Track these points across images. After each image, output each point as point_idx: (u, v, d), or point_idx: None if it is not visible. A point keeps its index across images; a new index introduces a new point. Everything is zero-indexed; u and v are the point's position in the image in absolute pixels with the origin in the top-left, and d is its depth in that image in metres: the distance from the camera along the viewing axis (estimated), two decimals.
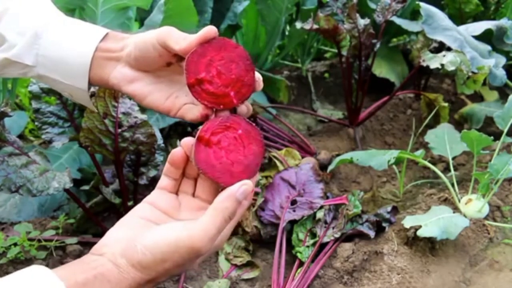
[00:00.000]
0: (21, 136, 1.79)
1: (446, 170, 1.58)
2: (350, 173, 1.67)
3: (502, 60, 1.73)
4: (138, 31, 1.51)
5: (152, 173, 1.20)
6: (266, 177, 1.47)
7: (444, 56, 1.51)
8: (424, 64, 1.54)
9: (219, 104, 0.64)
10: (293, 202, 1.29)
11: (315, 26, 1.61)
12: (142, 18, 1.79)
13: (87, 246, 1.25)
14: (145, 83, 0.70)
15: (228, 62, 0.64)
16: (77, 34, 0.71)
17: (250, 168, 0.64)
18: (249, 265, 1.21)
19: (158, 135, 1.24)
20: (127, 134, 1.06)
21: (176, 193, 0.69)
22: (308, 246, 1.20)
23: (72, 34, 0.71)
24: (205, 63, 0.63)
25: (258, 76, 0.67)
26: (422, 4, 1.69)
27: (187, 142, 0.66)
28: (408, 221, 1.15)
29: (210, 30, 0.63)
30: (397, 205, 1.38)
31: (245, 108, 0.68)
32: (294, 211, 1.26)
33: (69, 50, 0.70)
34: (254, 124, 0.65)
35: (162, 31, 0.66)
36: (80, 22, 0.74)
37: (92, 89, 0.87)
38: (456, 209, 1.27)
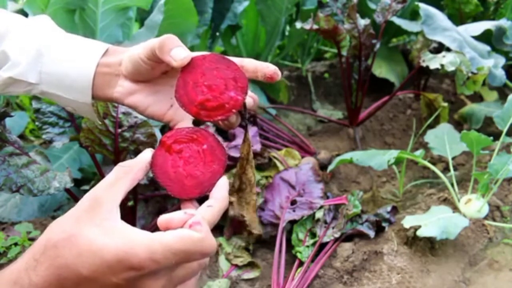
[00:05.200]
0: (21, 136, 1.79)
1: (445, 170, 1.58)
2: (350, 173, 1.67)
3: (502, 61, 1.74)
4: (138, 31, 1.50)
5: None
6: (266, 177, 1.47)
7: (443, 56, 1.52)
8: (424, 64, 1.55)
9: (231, 110, 0.62)
10: (293, 202, 1.30)
11: (315, 26, 1.62)
12: (142, 18, 1.79)
13: None
14: (145, 94, 0.70)
15: (209, 73, 0.63)
16: (79, 51, 0.71)
17: (203, 186, 0.60)
18: (250, 265, 1.21)
19: (158, 135, 1.25)
20: (127, 134, 1.06)
21: None
22: (308, 246, 1.20)
23: (74, 51, 0.72)
24: (193, 88, 0.63)
25: (266, 66, 0.65)
26: (421, 4, 1.70)
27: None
28: (408, 221, 1.15)
29: (186, 58, 0.63)
30: (397, 205, 1.38)
31: (251, 99, 0.67)
32: (294, 211, 1.27)
33: (71, 67, 0.70)
34: (221, 143, 0.62)
35: (147, 46, 0.65)
36: (81, 39, 0.74)
37: None
38: (455, 209, 1.28)
